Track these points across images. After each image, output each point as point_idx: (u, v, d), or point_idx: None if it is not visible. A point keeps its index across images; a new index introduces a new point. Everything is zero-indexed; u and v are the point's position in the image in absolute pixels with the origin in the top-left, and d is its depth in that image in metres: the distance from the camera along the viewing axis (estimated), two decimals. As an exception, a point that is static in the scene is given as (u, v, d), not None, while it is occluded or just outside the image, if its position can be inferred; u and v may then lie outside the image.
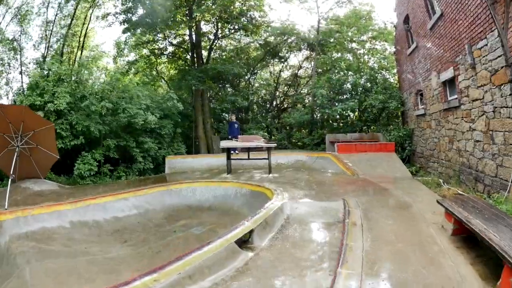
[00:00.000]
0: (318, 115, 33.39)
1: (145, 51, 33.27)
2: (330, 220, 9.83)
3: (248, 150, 20.69)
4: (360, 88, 29.71)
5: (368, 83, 29.97)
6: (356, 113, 31.12)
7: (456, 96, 15.81)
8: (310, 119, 32.41)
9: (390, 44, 31.77)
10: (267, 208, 10.11)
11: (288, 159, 23.54)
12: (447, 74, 16.43)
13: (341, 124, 31.32)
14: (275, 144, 21.37)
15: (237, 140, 20.85)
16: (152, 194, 14.33)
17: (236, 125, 26.46)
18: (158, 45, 33.54)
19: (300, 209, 10.93)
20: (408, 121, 25.23)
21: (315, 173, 19.64)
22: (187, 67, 32.94)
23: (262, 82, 42.12)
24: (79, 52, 28.93)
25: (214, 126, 34.00)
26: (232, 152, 22.22)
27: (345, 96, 30.85)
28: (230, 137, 23.84)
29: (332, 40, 34.18)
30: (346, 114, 30.50)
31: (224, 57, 36.72)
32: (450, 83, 16.83)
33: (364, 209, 10.75)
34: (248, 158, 20.67)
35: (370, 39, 34.39)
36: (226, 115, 35.55)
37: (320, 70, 35.14)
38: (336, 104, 30.12)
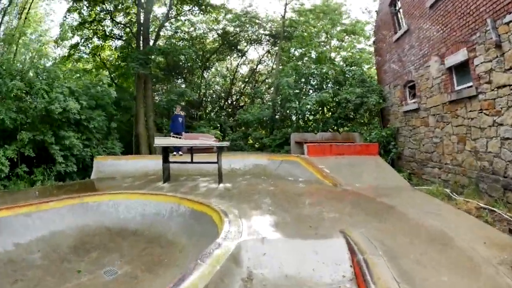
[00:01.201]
0: (281, 111, 28.87)
1: (88, 33, 30.01)
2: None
3: (191, 150, 16.77)
4: (331, 81, 26.54)
5: (340, 76, 26.51)
6: (326, 110, 27.40)
7: (470, 84, 13.75)
8: (271, 116, 28.41)
9: (363, 38, 29.99)
10: (210, 257, 6.09)
11: (245, 163, 19.56)
12: (457, 58, 14.39)
13: (309, 122, 27.55)
14: (227, 144, 17.05)
15: (179, 138, 17.26)
16: (61, 210, 11.37)
17: (180, 119, 21.85)
18: (103, 26, 30.18)
19: (272, 259, 6.72)
20: (391, 119, 22.30)
21: (282, 182, 15.49)
22: (131, 51, 29.51)
23: (217, 77, 39.23)
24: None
25: (157, 122, 29.75)
26: (175, 153, 20.27)
27: (312, 90, 27.42)
28: (172, 134, 19.13)
29: (298, 32, 30.43)
30: (315, 109, 26.76)
31: (175, 41, 32.92)
32: (460, 69, 14.70)
33: (385, 252, 6.49)
34: (192, 162, 16.33)
35: (341, 33, 31.19)
36: (174, 109, 31.27)
37: (285, 59, 31.65)
38: (304, 97, 26.13)
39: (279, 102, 28.30)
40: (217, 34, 35.22)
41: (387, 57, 22.56)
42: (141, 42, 28.32)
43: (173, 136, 17.31)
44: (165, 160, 15.98)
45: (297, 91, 25.78)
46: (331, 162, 16.84)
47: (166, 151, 16.10)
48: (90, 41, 29.89)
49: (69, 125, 20.22)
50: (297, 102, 24.91)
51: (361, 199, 11.81)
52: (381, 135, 21.08)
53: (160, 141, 16.00)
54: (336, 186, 14.13)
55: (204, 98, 35.62)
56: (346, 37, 31.37)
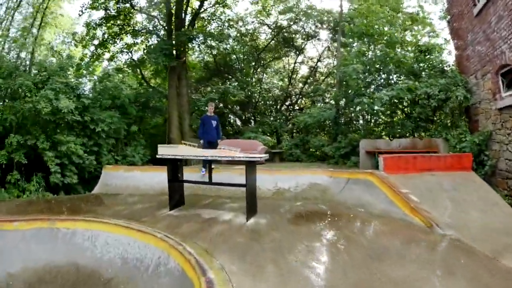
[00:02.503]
0: (346, 111, 23.32)
1: (115, 29, 26.27)
2: None
3: (209, 165, 12.10)
4: (404, 73, 20.00)
5: (414, 65, 19.79)
6: (400, 109, 20.90)
7: None
8: (334, 117, 22.56)
9: (428, 26, 22.68)
10: None
11: (297, 182, 13.67)
12: None
13: (381, 126, 21.69)
14: (264, 157, 10.82)
15: (211, 146, 13.90)
16: (26, 233, 9.59)
17: (214, 122, 15.10)
18: (130, 20, 26.31)
19: None
20: (480, 119, 16.12)
21: (348, 219, 9.94)
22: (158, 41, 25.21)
23: (274, 77, 34.67)
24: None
25: (195, 125, 24.23)
26: (203, 170, 14.24)
27: (383, 84, 20.92)
28: (202, 141, 14.72)
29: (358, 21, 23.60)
30: (386, 109, 20.13)
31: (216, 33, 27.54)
32: None
33: None
34: (210, 183, 11.60)
35: (404, 22, 24.01)
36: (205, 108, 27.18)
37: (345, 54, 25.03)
38: (375, 92, 19.87)
39: (344, 100, 22.76)
40: (269, 27, 31.03)
41: (468, 38, 16.92)
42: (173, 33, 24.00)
43: (189, 145, 11.56)
44: (173, 178, 11.22)
45: (368, 80, 20.40)
46: (416, 183, 11.58)
47: (175, 165, 11.27)
48: (118, 37, 26.19)
49: (70, 128, 17.02)
50: (368, 98, 18.81)
51: (479, 262, 6.98)
52: (473, 143, 15.14)
53: (164, 150, 11.05)
54: (431, 227, 8.93)
55: (256, 99, 30.98)
56: (411, 26, 24.69)
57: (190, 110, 24.44)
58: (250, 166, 9.71)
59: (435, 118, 18.80)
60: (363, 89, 19.86)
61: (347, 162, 19.78)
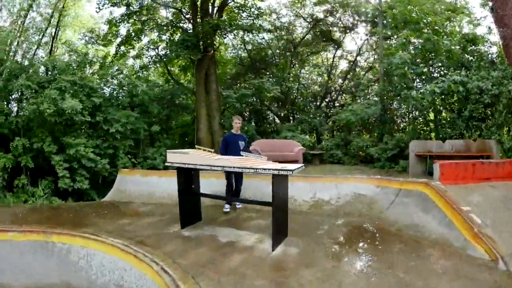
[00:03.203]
0: (391, 107, 21.00)
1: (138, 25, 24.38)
2: None
3: (228, 178, 10.85)
4: (453, 64, 17.90)
5: (464, 56, 17.85)
6: (448, 106, 18.38)
7: None
8: (380, 114, 20.26)
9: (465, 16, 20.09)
10: None
11: (339, 192, 11.53)
12: None
13: (431, 124, 19.01)
14: (298, 169, 7.53)
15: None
16: (20, 244, 9.00)
17: (241, 143, 11.33)
18: (153, 14, 24.24)
19: None
20: None
21: (401, 250, 7.68)
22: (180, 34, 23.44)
23: (312, 73, 32.57)
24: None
25: (226, 124, 22.12)
26: (226, 208, 11.03)
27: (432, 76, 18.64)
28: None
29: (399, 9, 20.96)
30: (441, 104, 17.90)
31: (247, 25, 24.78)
32: None
33: None
34: (231, 200, 10.58)
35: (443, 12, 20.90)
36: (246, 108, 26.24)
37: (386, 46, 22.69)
38: (422, 85, 18.01)
39: (389, 95, 20.14)
40: (304, 20, 28.78)
41: None
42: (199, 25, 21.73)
43: (203, 150, 9.42)
44: (185, 190, 9.21)
45: (416, 71, 17.84)
46: (478, 197, 9.60)
47: (187, 174, 9.26)
48: (142, 33, 24.50)
49: (80, 129, 16.32)
50: (416, 92, 16.64)
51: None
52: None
53: (173, 157, 8.95)
54: (496, 262, 6.83)
55: (294, 96, 29.07)
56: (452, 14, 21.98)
57: (220, 108, 22.55)
58: (279, 179, 7.48)
59: (487, 116, 16.68)
60: (411, 81, 17.96)
61: (395, 167, 17.41)
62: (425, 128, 19.28)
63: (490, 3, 15.58)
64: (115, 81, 18.61)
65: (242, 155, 9.19)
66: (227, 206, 10.97)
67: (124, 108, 17.03)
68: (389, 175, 14.59)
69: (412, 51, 17.89)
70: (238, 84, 26.70)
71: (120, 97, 17.71)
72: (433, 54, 17.93)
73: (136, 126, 16.81)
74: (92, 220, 10.95)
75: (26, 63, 17.25)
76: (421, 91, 16.20)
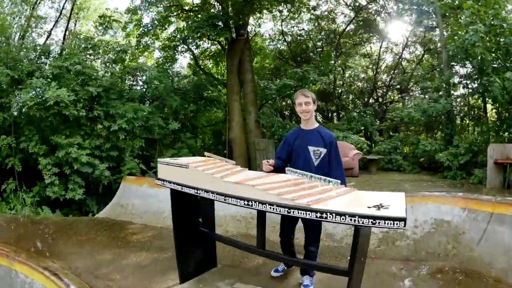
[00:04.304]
0: (466, 99, 18.38)
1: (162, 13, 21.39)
2: None
3: (282, 225, 5.49)
4: None
5: None
6: None
7: None
8: (448, 111, 16.78)
9: None
10: None
11: (416, 217, 7.71)
12: None
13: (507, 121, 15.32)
14: (399, 218, 3.63)
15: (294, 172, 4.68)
16: None
17: (315, 150, 5.26)
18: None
19: None
20: None
21: None
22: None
23: (356, 65, 29.08)
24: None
25: (263, 122, 19.06)
26: (277, 269, 5.90)
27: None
28: (280, 163, 5.46)
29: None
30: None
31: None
32: None
33: None
34: (262, 250, 4.72)
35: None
36: (290, 102, 22.91)
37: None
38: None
39: (458, 84, 17.71)
40: (347, 5, 25.95)
41: None
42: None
43: (216, 160, 5.29)
44: (186, 227, 5.43)
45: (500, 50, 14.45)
46: None
47: (189, 201, 5.34)
48: (166, 21, 21.08)
49: (78, 125, 13.20)
50: (500, 78, 13.57)
51: None
52: None
53: (166, 172, 5.25)
54: None
55: (339, 91, 26.37)
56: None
57: (257, 102, 19.26)
58: (364, 231, 3.79)
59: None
60: (495, 63, 14.67)
61: (468, 177, 14.17)
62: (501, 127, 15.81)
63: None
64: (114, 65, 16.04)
65: (295, 173, 4.34)
66: (277, 268, 5.85)
67: (131, 100, 14.07)
68: (468, 189, 12.24)
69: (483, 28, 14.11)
70: (278, 80, 22.77)
71: (125, 87, 15.08)
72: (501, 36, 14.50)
73: (149, 123, 13.71)
74: (68, 247, 8.30)
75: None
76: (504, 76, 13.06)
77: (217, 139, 20.26)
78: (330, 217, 3.27)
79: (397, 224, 3.07)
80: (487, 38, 13.95)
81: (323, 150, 5.13)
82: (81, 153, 11.85)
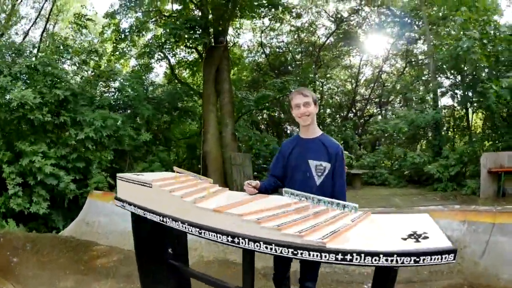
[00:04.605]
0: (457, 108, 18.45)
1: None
2: None
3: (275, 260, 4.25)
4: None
5: None
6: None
7: None
8: (437, 121, 16.84)
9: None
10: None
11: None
12: None
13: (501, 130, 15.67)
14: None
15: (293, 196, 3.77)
16: None
17: (318, 165, 4.11)
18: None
19: None
20: None
21: None
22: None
23: (335, 78, 28.97)
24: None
25: (239, 135, 18.60)
26: None
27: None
28: (273, 182, 4.35)
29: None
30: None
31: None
32: None
33: None
34: None
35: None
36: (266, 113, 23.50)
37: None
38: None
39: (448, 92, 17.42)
40: (329, 18, 25.72)
41: None
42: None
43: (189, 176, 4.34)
44: (151, 256, 4.40)
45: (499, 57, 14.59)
46: None
47: (157, 227, 3.87)
48: (144, 27, 20.23)
49: (44, 132, 12.15)
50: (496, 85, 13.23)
51: None
52: None
53: (128, 190, 4.13)
54: None
55: (319, 103, 24.17)
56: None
57: (234, 113, 18.34)
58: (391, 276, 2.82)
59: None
60: (488, 73, 14.77)
61: (460, 188, 14.10)
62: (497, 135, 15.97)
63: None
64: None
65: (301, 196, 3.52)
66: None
67: (101, 107, 13.03)
68: (462, 201, 12.68)
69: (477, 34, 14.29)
70: (256, 92, 22.71)
71: (97, 93, 14.11)
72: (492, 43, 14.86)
73: (119, 133, 12.63)
74: (29, 269, 7.63)
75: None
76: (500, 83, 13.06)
77: (191, 153, 19.25)
78: (357, 259, 2.36)
79: (445, 258, 2.34)
80: (480, 44, 13.88)
81: (327, 165, 3.98)
82: (46, 162, 10.93)
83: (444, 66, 16.58)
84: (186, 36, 16.16)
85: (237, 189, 13.04)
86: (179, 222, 3.29)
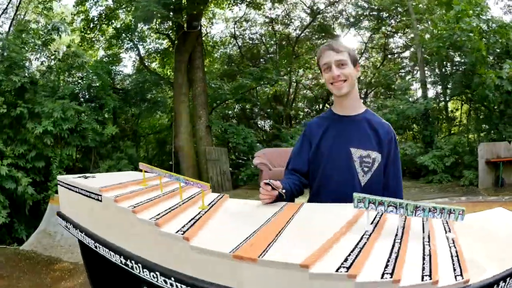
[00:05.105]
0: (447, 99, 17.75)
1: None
2: None
3: None
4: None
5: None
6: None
7: None
8: (427, 111, 16.54)
9: None
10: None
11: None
12: None
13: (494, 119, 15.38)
14: None
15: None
16: None
17: (364, 148, 2.73)
18: None
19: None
20: None
21: None
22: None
23: (309, 71, 27.56)
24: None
25: (215, 128, 17.31)
26: None
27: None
28: (297, 182, 2.83)
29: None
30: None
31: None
32: None
33: None
34: None
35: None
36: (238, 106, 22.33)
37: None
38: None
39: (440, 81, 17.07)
40: (305, 9, 24.73)
41: None
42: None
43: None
44: None
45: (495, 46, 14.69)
46: None
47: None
48: (113, 14, 19.05)
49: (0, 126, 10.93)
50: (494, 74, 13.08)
51: None
52: None
53: (74, 205, 2.67)
54: None
55: (291, 98, 25.50)
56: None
57: (208, 104, 17.22)
58: None
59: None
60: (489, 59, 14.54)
61: (456, 180, 14.08)
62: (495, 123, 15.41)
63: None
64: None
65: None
66: None
67: (63, 98, 11.45)
68: (462, 192, 12.47)
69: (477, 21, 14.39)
70: (231, 82, 21.28)
71: (59, 81, 12.73)
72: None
73: (82, 126, 11.28)
74: None
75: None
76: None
77: (161, 149, 18.19)
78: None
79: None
80: (478, 34, 13.83)
81: (377, 156, 2.65)
82: (2, 163, 9.59)
83: (433, 56, 16.40)
84: (158, 14, 14.84)
85: (214, 188, 11.74)
86: (157, 273, 1.78)
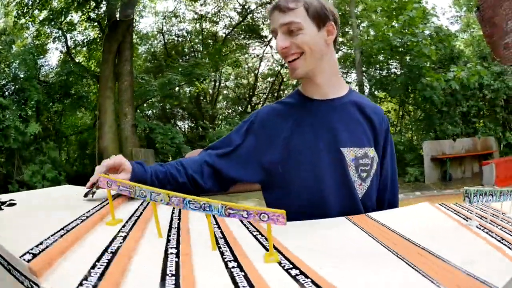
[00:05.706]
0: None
1: None
2: None
3: None
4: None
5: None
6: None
7: None
8: None
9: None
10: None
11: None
12: None
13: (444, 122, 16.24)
14: None
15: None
16: None
17: (365, 155, 2.00)
18: None
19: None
20: None
21: None
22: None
23: (235, 70, 28.09)
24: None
25: (143, 126, 16.22)
26: None
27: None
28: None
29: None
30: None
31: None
32: None
33: None
34: None
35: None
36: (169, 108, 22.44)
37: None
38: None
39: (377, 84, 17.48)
40: (235, 9, 24.92)
41: (508, 26, 16.59)
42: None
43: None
44: None
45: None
46: None
47: None
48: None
49: None
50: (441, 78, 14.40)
51: None
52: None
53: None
54: None
55: (214, 97, 25.56)
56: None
57: (134, 100, 16.17)
58: None
59: (485, 113, 16.81)
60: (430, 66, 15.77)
61: (404, 177, 14.57)
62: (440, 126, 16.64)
63: (475, 9, 18.47)
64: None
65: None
66: None
67: None
68: (410, 188, 13.53)
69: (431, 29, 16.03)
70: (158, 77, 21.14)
71: None
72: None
73: (4, 124, 10.10)
74: None
75: None
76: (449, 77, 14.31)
77: (83, 152, 16.76)
78: None
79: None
80: (428, 40, 14.96)
81: (375, 154, 1.88)
82: None
83: (372, 58, 17.22)
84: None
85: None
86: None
